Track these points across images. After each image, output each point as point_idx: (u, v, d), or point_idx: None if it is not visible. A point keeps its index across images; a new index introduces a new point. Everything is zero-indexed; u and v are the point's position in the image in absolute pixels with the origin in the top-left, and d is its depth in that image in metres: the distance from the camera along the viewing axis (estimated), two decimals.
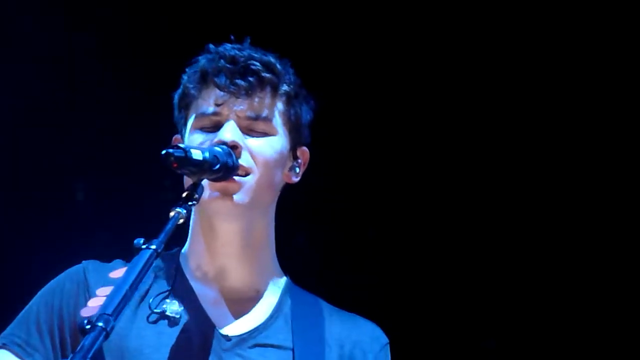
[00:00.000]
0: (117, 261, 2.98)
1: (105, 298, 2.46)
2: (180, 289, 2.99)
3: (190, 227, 3.04)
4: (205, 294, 2.99)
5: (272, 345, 2.95)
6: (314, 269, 3.44)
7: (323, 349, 2.97)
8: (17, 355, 2.92)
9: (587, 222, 4.81)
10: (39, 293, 3.00)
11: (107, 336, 2.39)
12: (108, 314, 2.40)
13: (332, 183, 4.75)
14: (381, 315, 3.13)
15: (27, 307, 2.98)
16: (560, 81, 4.82)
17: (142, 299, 2.95)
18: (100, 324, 2.38)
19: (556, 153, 4.84)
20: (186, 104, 3.05)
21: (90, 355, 2.33)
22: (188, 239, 3.06)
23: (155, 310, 2.93)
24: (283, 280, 3.10)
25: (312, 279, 3.17)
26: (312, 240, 4.79)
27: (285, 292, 3.07)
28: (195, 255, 3.03)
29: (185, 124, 3.04)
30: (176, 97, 3.09)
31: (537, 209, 4.87)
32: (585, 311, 4.77)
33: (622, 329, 4.74)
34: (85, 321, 2.40)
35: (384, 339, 3.08)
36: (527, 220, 4.88)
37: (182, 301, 2.95)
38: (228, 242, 2.99)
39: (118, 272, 2.56)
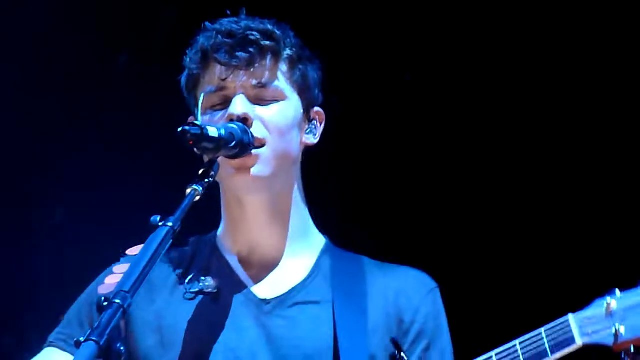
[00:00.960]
0: None
1: (122, 275, 2.47)
2: (216, 267, 3.01)
3: (222, 206, 3.06)
4: (241, 267, 3.01)
5: (311, 302, 2.96)
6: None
7: (364, 300, 2.96)
8: (62, 349, 2.98)
9: (587, 222, 4.80)
10: (83, 293, 3.06)
11: (124, 313, 2.40)
12: (125, 291, 2.42)
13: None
14: None
15: (71, 307, 3.05)
16: (562, 81, 4.79)
17: (179, 281, 2.98)
18: (117, 300, 2.40)
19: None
20: (193, 85, 3.06)
21: (107, 331, 2.35)
22: (221, 219, 3.08)
23: (191, 290, 2.95)
24: (321, 241, 3.10)
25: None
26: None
27: (324, 252, 3.07)
28: (228, 231, 3.05)
29: (196, 105, 3.05)
30: (182, 80, 3.10)
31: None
32: None
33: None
34: (103, 298, 2.41)
35: (432, 283, 3.05)
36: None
37: (218, 276, 2.97)
38: (256, 213, 3.00)
39: (135, 249, 2.57)
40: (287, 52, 3.03)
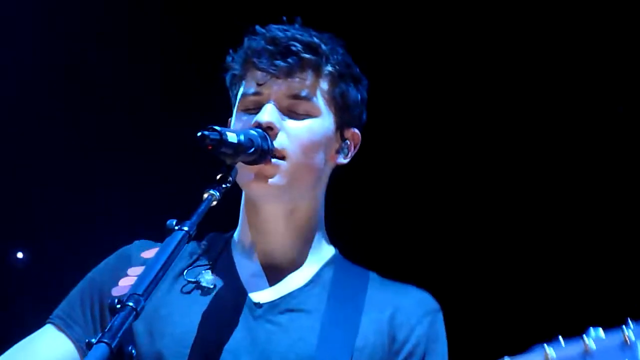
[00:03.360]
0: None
1: (136, 278, 2.47)
2: (222, 263, 3.01)
3: (241, 209, 3.06)
4: (245, 266, 3.00)
5: (303, 310, 2.93)
6: None
7: (357, 315, 2.92)
8: (58, 327, 2.97)
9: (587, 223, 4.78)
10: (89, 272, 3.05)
11: (137, 316, 2.40)
12: (138, 294, 2.42)
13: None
14: None
15: (76, 286, 3.03)
16: (565, 82, 4.78)
17: (183, 272, 2.97)
18: (130, 303, 2.40)
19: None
20: (234, 84, 3.06)
21: (119, 334, 2.34)
22: (239, 220, 3.08)
23: (190, 280, 2.94)
24: (330, 253, 3.08)
25: None
26: None
27: (329, 263, 3.05)
28: (242, 233, 3.04)
29: (235, 105, 3.05)
30: (227, 79, 3.09)
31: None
32: None
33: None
34: (116, 300, 2.41)
35: (433, 305, 3.00)
36: None
37: (220, 273, 2.97)
38: (270, 221, 2.99)
39: (150, 252, 2.57)
40: (329, 68, 3.00)
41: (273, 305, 2.94)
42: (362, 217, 4.82)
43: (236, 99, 3.04)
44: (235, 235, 3.08)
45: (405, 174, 4.96)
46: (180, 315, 2.89)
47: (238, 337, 2.87)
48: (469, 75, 4.90)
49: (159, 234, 2.69)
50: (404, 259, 4.72)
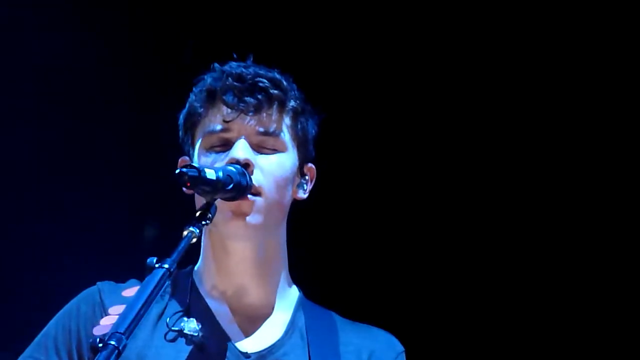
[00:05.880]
0: (132, 280, 2.97)
1: (117, 316, 2.47)
2: (196, 308, 2.99)
3: (202, 246, 3.05)
4: (221, 312, 3.00)
5: None
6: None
7: None
8: None
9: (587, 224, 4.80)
10: (55, 317, 3.01)
11: (119, 355, 2.39)
12: (120, 333, 2.40)
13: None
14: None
15: (43, 331, 2.99)
16: (566, 81, 4.81)
17: (159, 318, 2.95)
18: (112, 342, 2.38)
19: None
20: (192, 124, 3.05)
21: None
22: (200, 258, 3.07)
23: (173, 329, 2.93)
24: (295, 295, 3.11)
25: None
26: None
27: (298, 307, 3.07)
28: (209, 274, 3.04)
29: (192, 145, 3.04)
30: (181, 117, 3.09)
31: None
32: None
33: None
34: (98, 339, 2.39)
35: (399, 347, 3.07)
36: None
37: (199, 319, 2.95)
38: (241, 261, 2.99)
39: (131, 291, 2.58)
40: (292, 103, 3.04)
41: (260, 356, 2.95)
42: (314, 253, 4.81)
43: (194, 137, 3.04)
44: (198, 273, 3.07)
45: (355, 207, 4.96)
46: None
47: None
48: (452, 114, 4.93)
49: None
50: (357, 296, 4.73)
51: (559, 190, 4.82)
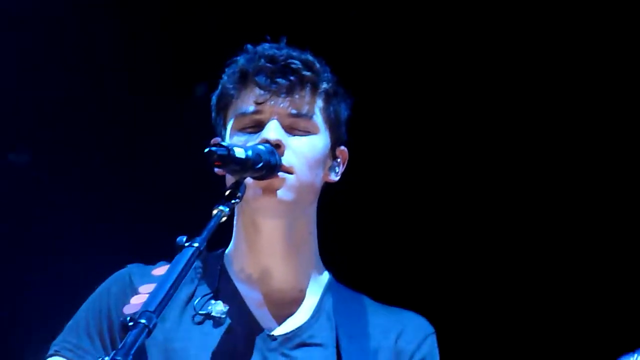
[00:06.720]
0: (161, 262, 2.95)
1: (147, 295, 2.47)
2: (225, 290, 2.99)
3: (234, 228, 3.05)
4: (250, 295, 3.00)
5: (316, 344, 2.95)
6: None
7: (367, 343, 2.96)
8: (68, 359, 2.94)
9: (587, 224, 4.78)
10: (87, 300, 3.03)
11: (149, 333, 2.39)
12: (150, 311, 2.41)
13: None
14: None
15: (75, 315, 3.01)
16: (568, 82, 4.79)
17: (189, 300, 2.96)
18: (142, 320, 2.39)
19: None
20: (224, 105, 3.04)
21: (132, 352, 2.34)
22: (232, 240, 3.06)
23: (200, 312, 2.93)
24: (325, 278, 3.09)
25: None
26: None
27: (327, 290, 3.06)
28: (239, 255, 3.03)
29: (224, 125, 3.04)
30: (214, 98, 3.09)
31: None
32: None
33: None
34: (128, 318, 2.40)
35: (429, 329, 3.05)
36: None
37: (227, 302, 2.95)
38: (272, 240, 2.98)
39: (161, 270, 2.57)
40: (325, 86, 3.02)
41: (286, 338, 2.95)
42: (346, 237, 4.81)
43: (226, 118, 3.04)
44: (228, 255, 3.07)
45: (383, 190, 4.96)
46: (196, 348, 2.89)
47: None
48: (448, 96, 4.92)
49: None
50: (389, 279, 4.72)
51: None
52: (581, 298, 4.76)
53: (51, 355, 2.97)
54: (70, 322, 3.00)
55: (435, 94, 4.92)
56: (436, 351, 3.04)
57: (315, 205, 3.05)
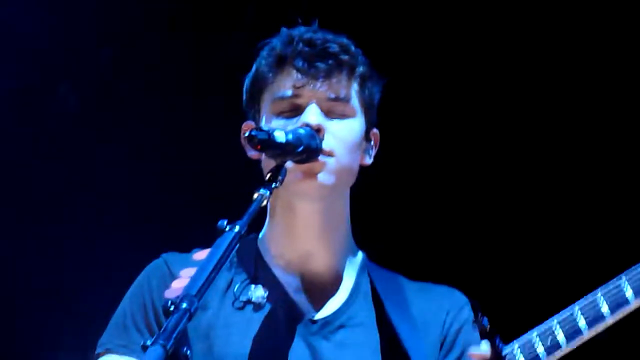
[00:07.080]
0: (196, 249, 2.95)
1: (188, 279, 2.45)
2: (263, 276, 2.98)
3: (268, 212, 3.03)
4: (288, 280, 2.99)
5: (355, 326, 2.95)
6: None
7: (406, 321, 2.95)
8: (123, 355, 2.93)
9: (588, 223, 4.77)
10: (126, 295, 3.01)
11: (190, 317, 2.38)
12: (192, 295, 2.40)
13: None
14: None
15: (117, 311, 3.00)
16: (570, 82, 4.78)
17: (228, 287, 2.95)
18: (184, 305, 2.38)
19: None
20: (259, 89, 3.02)
21: (174, 335, 2.33)
22: (265, 224, 3.05)
23: (240, 298, 2.93)
24: (359, 258, 3.08)
25: None
26: None
27: (362, 270, 3.06)
28: (275, 240, 3.02)
29: (259, 110, 3.02)
30: (247, 81, 3.06)
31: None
32: None
33: None
34: (169, 302, 2.39)
35: (463, 300, 3.05)
36: None
37: (265, 287, 2.95)
38: (310, 223, 2.97)
39: (201, 254, 2.56)
40: (361, 69, 3.01)
41: (327, 321, 2.95)
42: (378, 218, 4.82)
43: (261, 102, 3.01)
44: (264, 241, 3.05)
45: (413, 173, 4.96)
46: (239, 335, 2.89)
47: (300, 356, 2.89)
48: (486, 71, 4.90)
49: None
50: (415, 256, 4.72)
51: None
52: None
53: (101, 354, 2.96)
54: (114, 319, 2.98)
55: (461, 77, 4.91)
56: (472, 318, 2.96)
57: (349, 189, 3.04)
